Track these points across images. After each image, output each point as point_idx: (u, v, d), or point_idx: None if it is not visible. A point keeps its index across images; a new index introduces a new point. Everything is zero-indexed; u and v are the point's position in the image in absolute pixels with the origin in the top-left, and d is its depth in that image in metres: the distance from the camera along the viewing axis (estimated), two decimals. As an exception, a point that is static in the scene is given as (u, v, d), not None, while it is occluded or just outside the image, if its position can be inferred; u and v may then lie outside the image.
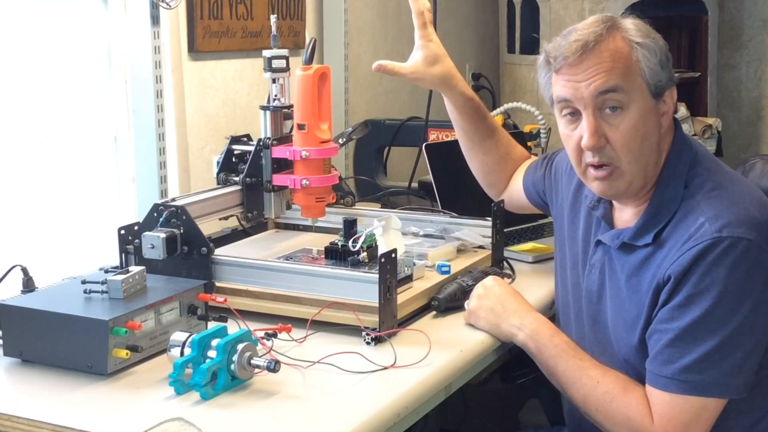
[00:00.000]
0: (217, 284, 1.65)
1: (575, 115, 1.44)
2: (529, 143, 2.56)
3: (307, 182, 1.82)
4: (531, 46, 3.51)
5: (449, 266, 1.77)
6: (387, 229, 1.70)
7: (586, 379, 1.46)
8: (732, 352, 1.33)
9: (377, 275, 1.50)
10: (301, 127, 1.80)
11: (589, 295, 1.56)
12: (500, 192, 1.96)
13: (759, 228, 1.34)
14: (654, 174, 1.45)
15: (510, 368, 1.82)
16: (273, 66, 1.87)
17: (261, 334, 1.44)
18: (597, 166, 1.44)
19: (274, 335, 1.47)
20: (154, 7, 2.05)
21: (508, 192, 1.95)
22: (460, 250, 1.91)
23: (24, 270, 1.61)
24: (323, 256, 1.80)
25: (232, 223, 2.01)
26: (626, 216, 1.52)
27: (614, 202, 1.54)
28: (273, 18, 1.89)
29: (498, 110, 2.61)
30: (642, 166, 1.43)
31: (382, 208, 2.33)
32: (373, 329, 1.51)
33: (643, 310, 1.41)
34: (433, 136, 2.66)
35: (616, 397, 1.42)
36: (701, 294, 1.33)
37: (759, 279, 1.33)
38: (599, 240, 1.54)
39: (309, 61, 1.81)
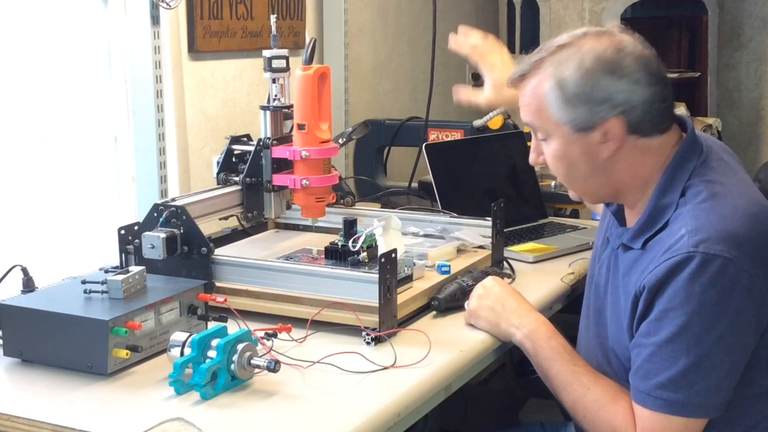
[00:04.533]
0: (217, 284, 1.66)
1: None
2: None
3: (307, 182, 1.82)
4: (531, 47, 3.51)
5: (449, 266, 1.77)
6: (387, 229, 1.70)
7: (577, 385, 1.46)
8: (708, 373, 1.31)
9: (377, 275, 1.50)
10: (301, 127, 1.80)
11: (597, 289, 1.57)
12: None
13: (741, 246, 1.30)
14: (615, 189, 1.47)
15: (525, 362, 1.81)
16: (273, 66, 1.87)
17: (261, 334, 1.44)
18: None
19: (274, 335, 1.47)
20: (154, 7, 2.05)
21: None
22: (460, 250, 1.91)
23: (24, 270, 1.61)
24: (323, 256, 1.80)
25: (232, 223, 2.01)
26: (630, 215, 1.52)
27: None
28: (273, 18, 1.89)
29: (498, 110, 2.61)
30: (579, 187, 1.51)
31: (382, 208, 2.33)
32: (373, 329, 1.51)
33: (627, 313, 1.41)
34: (433, 136, 2.66)
35: (604, 405, 1.41)
36: (675, 310, 1.31)
37: (736, 298, 1.30)
38: (608, 236, 1.55)
39: (309, 61, 1.81)
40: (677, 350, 1.31)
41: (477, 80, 3.66)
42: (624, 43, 1.42)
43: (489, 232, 1.89)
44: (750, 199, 1.41)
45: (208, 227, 1.83)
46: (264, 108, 1.90)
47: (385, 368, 1.41)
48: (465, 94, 1.91)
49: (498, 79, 1.89)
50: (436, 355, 1.46)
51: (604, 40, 1.42)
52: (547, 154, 1.49)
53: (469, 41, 1.94)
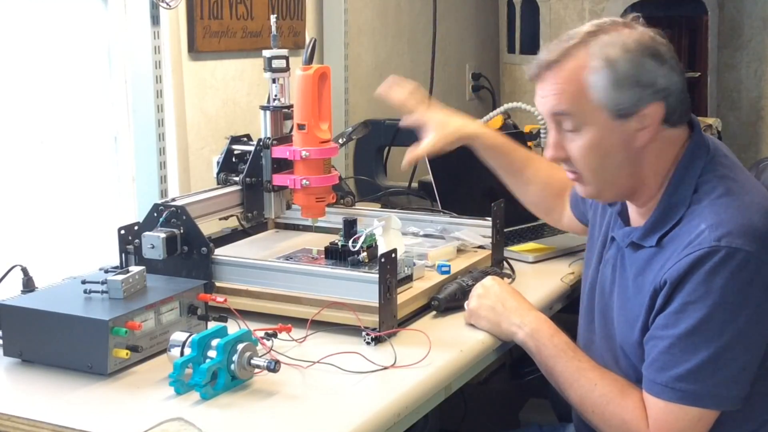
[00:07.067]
0: (217, 284, 1.66)
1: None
2: (529, 143, 2.56)
3: (307, 182, 1.82)
4: (531, 46, 3.51)
5: (449, 266, 1.77)
6: (387, 229, 1.70)
7: (584, 381, 1.46)
8: (727, 364, 1.32)
9: (377, 275, 1.50)
10: (301, 127, 1.80)
11: (602, 289, 1.56)
12: (560, 217, 1.93)
13: (761, 240, 1.33)
14: (638, 183, 1.45)
15: (520, 365, 1.82)
16: (273, 66, 1.87)
17: (261, 334, 1.44)
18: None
19: (274, 335, 1.47)
20: (154, 7, 2.05)
21: (565, 217, 1.92)
22: (460, 250, 1.91)
23: (24, 270, 1.61)
24: (323, 256, 1.80)
25: (232, 223, 2.01)
26: (636, 215, 1.52)
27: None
28: (273, 18, 1.90)
29: (498, 110, 2.61)
30: (607, 179, 1.45)
31: (382, 208, 2.33)
32: (373, 329, 1.51)
33: (642, 311, 1.41)
34: (433, 136, 2.66)
35: (613, 400, 1.42)
36: (696, 302, 1.32)
37: (756, 291, 1.32)
38: (613, 236, 1.55)
39: (309, 61, 1.81)
40: (698, 342, 1.32)
41: (477, 80, 3.67)
42: (653, 32, 1.43)
43: (489, 232, 1.89)
44: (763, 195, 1.43)
45: (208, 227, 1.83)
46: (264, 108, 1.90)
47: (385, 368, 1.41)
48: (415, 155, 1.82)
49: (436, 121, 1.84)
50: (436, 355, 1.46)
51: (635, 27, 1.43)
52: (576, 145, 1.42)
53: (403, 89, 1.90)
